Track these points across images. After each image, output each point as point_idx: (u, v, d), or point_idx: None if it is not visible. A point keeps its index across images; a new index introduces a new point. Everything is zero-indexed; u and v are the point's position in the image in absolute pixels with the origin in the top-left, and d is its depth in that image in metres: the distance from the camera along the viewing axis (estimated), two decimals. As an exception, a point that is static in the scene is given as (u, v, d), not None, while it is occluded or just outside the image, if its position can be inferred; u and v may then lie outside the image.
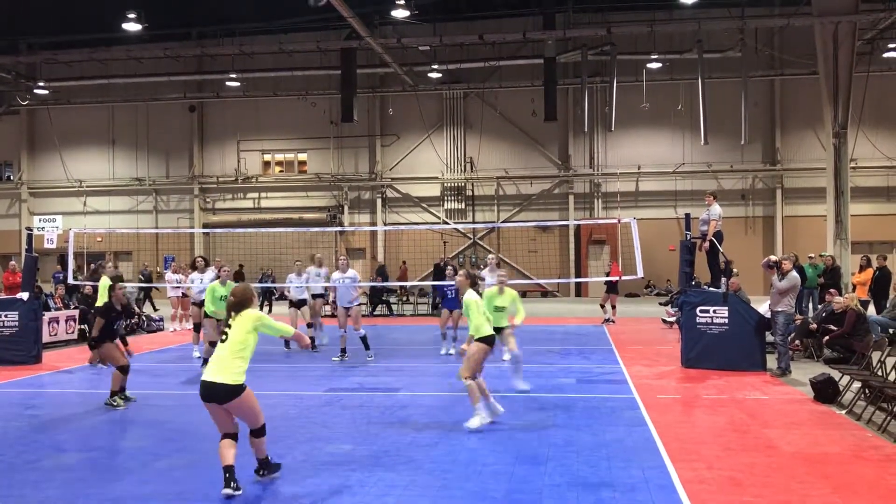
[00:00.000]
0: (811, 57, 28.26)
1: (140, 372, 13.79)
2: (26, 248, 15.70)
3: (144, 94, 36.55)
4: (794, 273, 12.50)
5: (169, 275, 22.11)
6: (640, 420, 9.10)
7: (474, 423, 8.63)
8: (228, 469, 6.41)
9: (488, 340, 8.95)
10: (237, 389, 6.47)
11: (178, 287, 20.47)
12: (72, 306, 18.92)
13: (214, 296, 13.13)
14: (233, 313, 6.72)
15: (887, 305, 16.38)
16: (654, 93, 32.42)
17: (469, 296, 9.08)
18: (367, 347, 14.27)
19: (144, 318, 21.27)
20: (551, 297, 34.62)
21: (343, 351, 14.46)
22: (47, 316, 16.52)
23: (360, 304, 15.34)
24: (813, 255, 20.62)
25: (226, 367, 6.49)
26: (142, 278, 29.27)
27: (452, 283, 12.84)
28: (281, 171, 38.27)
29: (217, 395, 6.45)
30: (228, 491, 6.34)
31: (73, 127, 37.95)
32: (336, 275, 14.67)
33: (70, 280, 17.97)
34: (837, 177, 26.36)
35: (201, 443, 8.20)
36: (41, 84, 34.13)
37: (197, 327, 15.41)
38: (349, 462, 7.40)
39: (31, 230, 16.80)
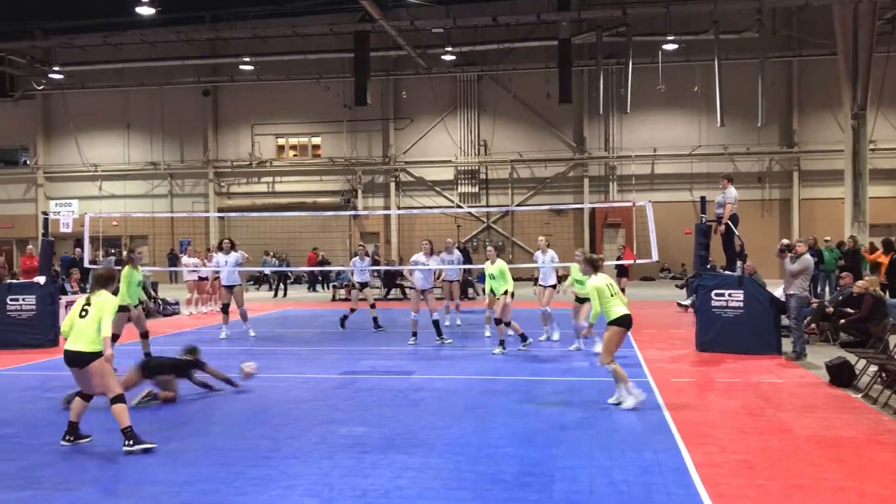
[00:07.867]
0: (830, 37, 27.92)
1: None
2: (43, 233, 15.86)
3: (159, 78, 36.61)
4: (808, 256, 12.36)
5: (185, 259, 22.27)
6: (653, 404, 9.07)
7: (629, 402, 8.73)
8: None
9: (621, 322, 8.99)
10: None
11: (195, 271, 20.58)
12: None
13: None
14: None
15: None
16: (669, 74, 32.12)
17: (593, 280, 9.15)
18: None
19: (160, 302, 21.42)
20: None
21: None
22: (64, 300, 16.64)
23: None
24: (829, 238, 20.43)
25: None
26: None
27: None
28: (295, 155, 38.31)
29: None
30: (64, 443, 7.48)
31: (89, 111, 38.09)
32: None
33: (86, 264, 18.05)
34: (856, 159, 26.15)
35: (214, 426, 8.29)
36: (56, 69, 34.23)
37: (225, 308, 15.91)
38: (363, 444, 7.43)
39: (48, 214, 16.91)
